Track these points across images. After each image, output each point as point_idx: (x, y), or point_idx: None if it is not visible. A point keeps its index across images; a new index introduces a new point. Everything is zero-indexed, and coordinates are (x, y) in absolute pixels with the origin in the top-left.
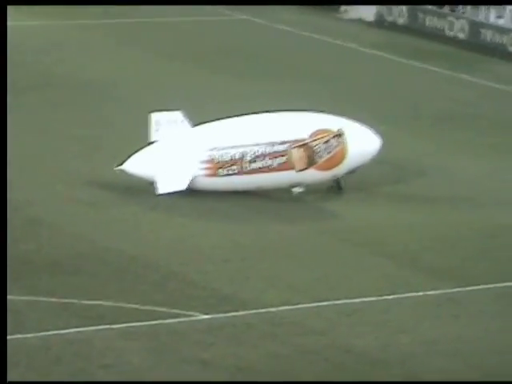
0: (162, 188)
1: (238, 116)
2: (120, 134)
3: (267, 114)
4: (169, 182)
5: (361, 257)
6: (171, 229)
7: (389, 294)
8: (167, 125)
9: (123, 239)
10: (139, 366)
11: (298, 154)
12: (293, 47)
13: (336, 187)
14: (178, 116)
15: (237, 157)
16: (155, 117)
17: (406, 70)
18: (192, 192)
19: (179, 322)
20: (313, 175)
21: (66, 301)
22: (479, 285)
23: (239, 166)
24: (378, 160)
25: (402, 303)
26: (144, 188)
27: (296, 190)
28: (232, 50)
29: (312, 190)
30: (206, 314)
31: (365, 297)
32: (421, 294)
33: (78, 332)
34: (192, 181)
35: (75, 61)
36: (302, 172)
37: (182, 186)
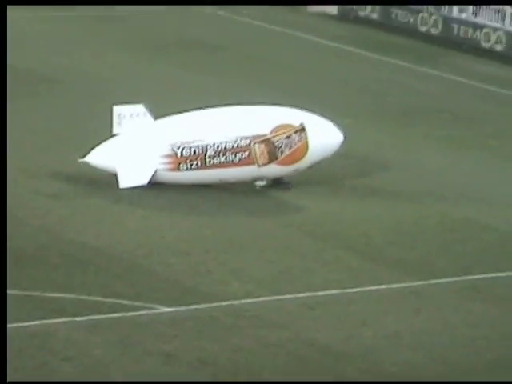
0: (124, 182)
1: (200, 109)
2: (82, 127)
3: (229, 107)
4: (130, 176)
5: (324, 250)
6: (134, 221)
7: (352, 287)
8: (130, 118)
9: (86, 231)
10: (102, 359)
11: (259, 150)
12: (255, 40)
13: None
14: (140, 109)
15: (198, 152)
16: (117, 110)
17: (370, 63)
18: (155, 184)
19: (142, 315)
20: (275, 170)
21: (29, 293)
22: (441, 278)
23: (201, 161)
24: (341, 153)
25: (364, 296)
26: (107, 180)
27: (259, 183)
28: (194, 43)
29: (275, 183)
30: (169, 306)
31: (328, 290)
32: (383, 287)
33: (41, 324)
34: (154, 175)
35: (37, 54)
36: (264, 167)
37: (144, 180)
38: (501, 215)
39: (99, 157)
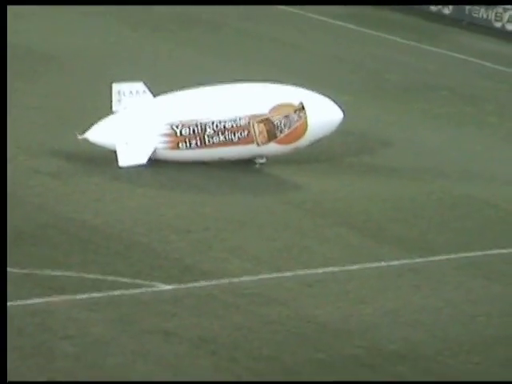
0: (123, 161)
1: (199, 86)
2: (82, 105)
3: (228, 85)
4: (130, 155)
5: (323, 227)
6: (134, 199)
7: (351, 265)
8: (129, 95)
9: (86, 210)
10: (102, 337)
11: (258, 129)
12: (253, 18)
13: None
14: (139, 87)
15: (197, 131)
16: (117, 87)
17: (370, 40)
18: (155, 162)
19: (142, 293)
20: (274, 149)
21: (29, 271)
22: (441, 255)
23: (200, 140)
24: (341, 131)
25: (364, 273)
26: (106, 158)
27: (259, 160)
28: (194, 21)
29: (275, 160)
30: (169, 284)
31: (327, 267)
32: (383, 264)
33: (41, 303)
34: (153, 154)
35: (36, 31)
36: (264, 145)
37: (143, 159)
38: (500, 192)
39: (99, 134)
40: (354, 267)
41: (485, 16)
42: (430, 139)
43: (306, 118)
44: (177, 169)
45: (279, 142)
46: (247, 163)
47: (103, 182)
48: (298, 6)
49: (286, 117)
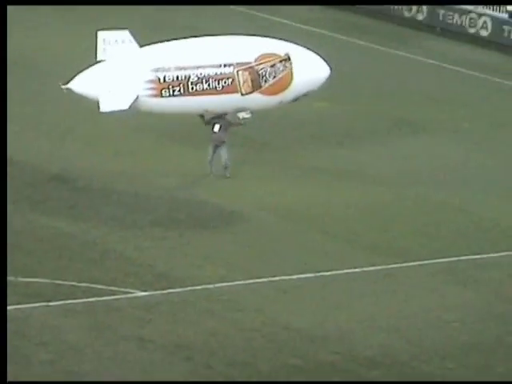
0: (105, 106)
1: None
2: (57, 111)
3: (213, 37)
4: (112, 100)
5: (299, 233)
6: (109, 206)
7: (326, 271)
8: (114, 44)
9: (59, 217)
10: (77, 343)
11: (243, 78)
12: (228, 25)
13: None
14: (125, 35)
15: (181, 78)
16: (102, 35)
17: (344, 45)
18: (130, 167)
19: (116, 299)
20: (259, 100)
21: None
22: (416, 261)
23: (183, 87)
24: (315, 136)
25: (339, 279)
26: (79, 167)
27: (242, 114)
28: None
29: (248, 166)
30: (144, 290)
31: (302, 273)
32: (358, 270)
33: (16, 309)
34: (136, 101)
35: (11, 35)
36: (248, 96)
37: (125, 105)
38: (474, 198)
39: (82, 83)
40: (329, 273)
41: (459, 22)
42: (406, 145)
43: (291, 68)
44: (152, 174)
45: (264, 93)
46: (221, 170)
47: (77, 189)
48: (270, 12)
49: (272, 66)
